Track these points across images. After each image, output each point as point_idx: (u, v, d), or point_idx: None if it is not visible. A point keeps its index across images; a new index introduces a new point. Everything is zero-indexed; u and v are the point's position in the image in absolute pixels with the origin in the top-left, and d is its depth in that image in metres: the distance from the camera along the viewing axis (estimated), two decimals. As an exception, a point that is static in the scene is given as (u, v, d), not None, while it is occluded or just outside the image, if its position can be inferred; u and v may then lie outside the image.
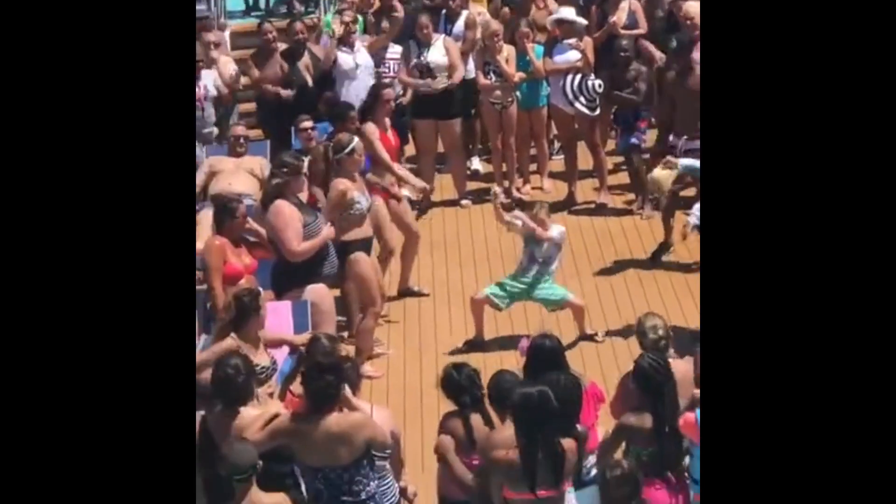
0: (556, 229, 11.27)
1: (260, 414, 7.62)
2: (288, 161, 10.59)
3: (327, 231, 10.28)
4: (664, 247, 12.77)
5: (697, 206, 11.44)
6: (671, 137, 12.84)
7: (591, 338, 11.39)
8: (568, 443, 7.25)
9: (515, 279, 11.33)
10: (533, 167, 14.78)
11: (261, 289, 9.34)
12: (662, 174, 11.66)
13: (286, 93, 13.80)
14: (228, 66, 14.05)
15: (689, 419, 7.49)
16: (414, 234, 12.31)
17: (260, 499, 7.20)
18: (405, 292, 12.42)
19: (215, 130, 13.70)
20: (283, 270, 10.21)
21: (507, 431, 7.37)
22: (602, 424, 8.34)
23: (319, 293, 10.14)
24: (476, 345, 11.37)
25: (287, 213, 10.14)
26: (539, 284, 11.27)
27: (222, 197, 10.71)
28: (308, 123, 12.49)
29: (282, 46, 14.12)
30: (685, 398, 7.67)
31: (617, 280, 12.55)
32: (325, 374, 7.43)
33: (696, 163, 11.26)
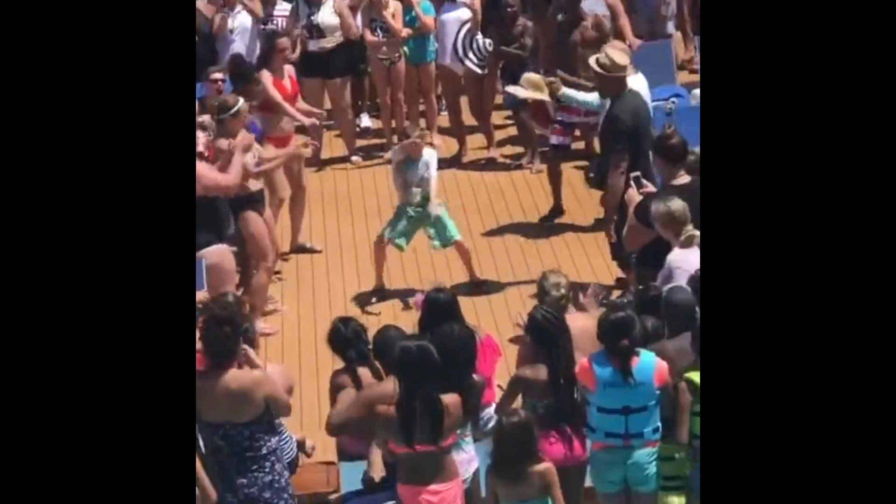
0: (426, 151, 11.45)
1: None
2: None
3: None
4: (554, 211, 12.87)
5: None
6: None
7: (480, 285, 11.55)
8: (450, 398, 7.27)
9: (404, 214, 11.44)
10: (422, 123, 14.83)
11: None
12: (536, 78, 11.86)
13: None
14: None
15: (584, 365, 7.59)
16: (301, 187, 12.34)
17: None
18: (298, 249, 12.47)
19: None
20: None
21: (388, 386, 7.45)
22: (499, 378, 8.44)
23: (220, 254, 10.14)
24: (375, 296, 11.52)
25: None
26: (433, 214, 11.40)
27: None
28: (219, 75, 12.34)
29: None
30: (581, 352, 7.77)
31: (509, 236, 12.65)
32: (222, 327, 7.45)
33: (579, 95, 11.46)
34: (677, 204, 8.66)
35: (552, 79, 11.76)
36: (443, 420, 7.20)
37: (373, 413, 7.42)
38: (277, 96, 12.01)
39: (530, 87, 11.83)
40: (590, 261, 11.76)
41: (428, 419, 7.19)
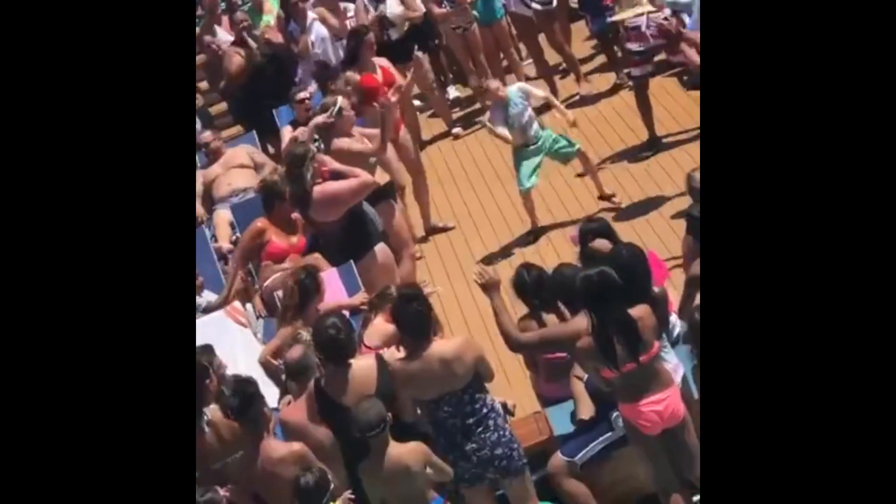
0: (511, 86, 11.65)
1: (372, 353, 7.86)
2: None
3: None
4: (652, 142, 12.72)
5: None
6: None
7: (609, 198, 11.73)
8: (639, 310, 7.36)
9: (524, 156, 11.61)
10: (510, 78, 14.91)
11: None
12: None
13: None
14: None
15: None
16: (420, 172, 12.49)
17: (398, 451, 7.35)
18: (432, 230, 12.60)
19: None
20: (335, 247, 10.33)
21: (579, 320, 7.53)
22: (673, 286, 8.52)
23: (383, 252, 10.34)
24: (531, 237, 11.73)
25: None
26: (543, 142, 11.61)
27: (268, 183, 10.89)
28: (304, 94, 12.59)
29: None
30: None
31: (624, 159, 12.70)
32: (411, 303, 7.62)
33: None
34: None
35: None
36: (640, 334, 7.29)
37: (573, 348, 7.53)
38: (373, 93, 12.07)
39: (630, 6, 11.91)
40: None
41: (625, 337, 7.28)
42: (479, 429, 7.60)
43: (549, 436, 8.34)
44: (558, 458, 7.99)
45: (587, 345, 7.38)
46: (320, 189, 10.14)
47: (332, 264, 10.09)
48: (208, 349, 8.36)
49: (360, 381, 7.65)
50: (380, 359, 7.77)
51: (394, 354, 7.95)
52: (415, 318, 7.59)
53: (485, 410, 7.63)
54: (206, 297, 10.37)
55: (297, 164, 10.23)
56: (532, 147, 11.63)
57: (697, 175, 8.48)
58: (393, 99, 11.55)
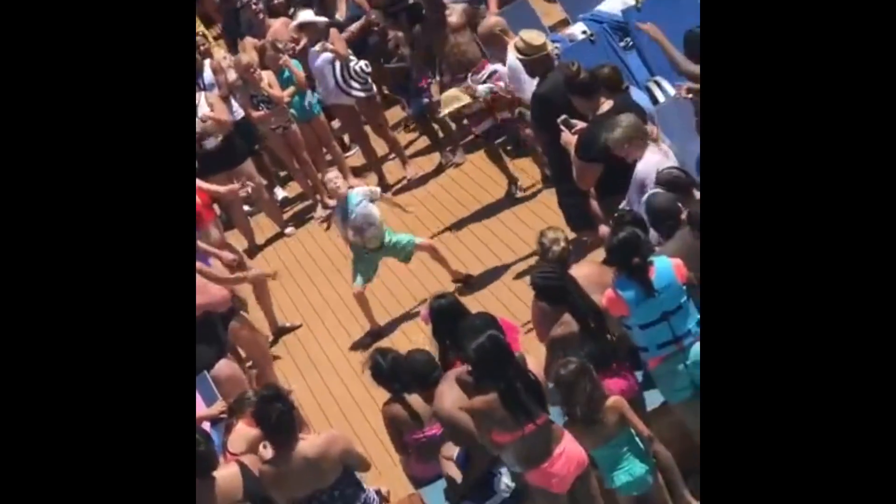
0: (351, 193, 11.63)
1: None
2: None
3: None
4: (512, 183, 12.85)
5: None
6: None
7: (465, 280, 11.76)
8: (532, 365, 7.44)
9: (362, 256, 11.66)
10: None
11: None
12: (451, 93, 12.10)
13: None
14: None
15: (610, 296, 7.76)
16: (261, 280, 12.45)
17: None
18: (279, 332, 12.57)
19: None
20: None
21: (479, 389, 7.43)
22: (530, 352, 8.58)
23: (229, 365, 10.35)
24: (377, 334, 11.69)
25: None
26: (386, 245, 11.61)
27: None
28: None
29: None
30: (596, 295, 7.94)
31: (472, 227, 12.79)
32: (274, 404, 7.59)
33: (491, 85, 11.67)
34: (628, 118, 8.88)
35: (466, 85, 12.03)
36: (541, 388, 7.36)
37: (474, 413, 7.47)
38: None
39: (451, 102, 12.10)
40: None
41: (531, 393, 7.30)
42: None
43: (428, 518, 8.34)
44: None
45: (489, 405, 7.29)
46: None
47: None
48: None
49: (226, 491, 7.63)
50: (242, 466, 7.75)
51: (260, 458, 7.91)
52: (278, 418, 7.57)
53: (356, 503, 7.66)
54: None
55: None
56: (367, 252, 11.67)
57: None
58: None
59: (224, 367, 10.24)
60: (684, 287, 7.68)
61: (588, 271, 8.23)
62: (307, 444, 7.60)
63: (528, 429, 7.30)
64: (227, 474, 7.72)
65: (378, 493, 8.40)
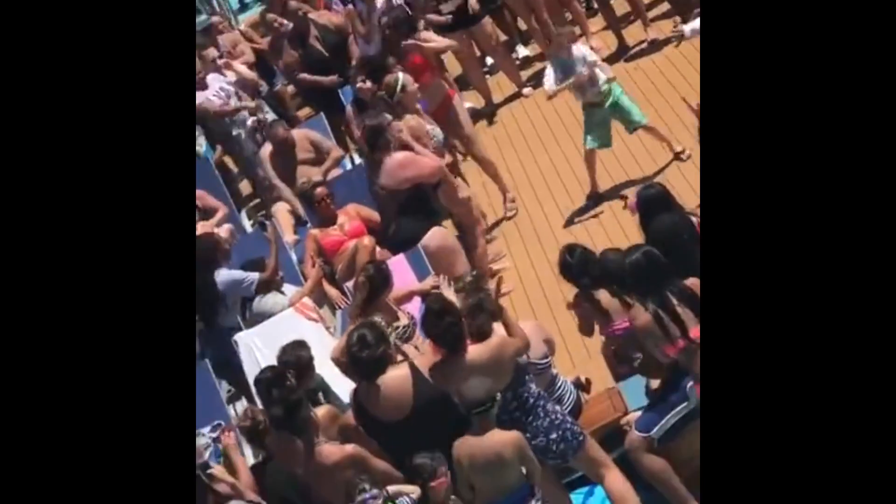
0: (575, 48, 11.38)
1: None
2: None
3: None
4: None
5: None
6: None
7: (678, 155, 11.48)
8: (692, 282, 7.29)
9: (591, 112, 11.45)
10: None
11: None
12: None
13: (329, 80, 13.77)
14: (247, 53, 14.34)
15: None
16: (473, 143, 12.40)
17: (498, 437, 7.33)
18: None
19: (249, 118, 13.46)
20: (394, 232, 10.41)
21: (636, 305, 7.49)
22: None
23: (442, 235, 10.39)
24: (592, 204, 11.55)
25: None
26: (615, 104, 11.38)
27: (303, 188, 10.95)
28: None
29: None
30: None
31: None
32: (442, 319, 7.54)
33: None
34: None
35: None
36: (697, 300, 7.18)
37: (638, 333, 7.49)
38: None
39: None
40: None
41: (687, 305, 7.22)
42: (529, 418, 7.56)
43: (624, 412, 8.21)
44: (634, 434, 7.82)
45: (646, 323, 7.29)
46: (394, 157, 10.29)
47: (389, 244, 10.18)
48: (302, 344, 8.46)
49: (396, 395, 7.60)
50: (413, 368, 7.67)
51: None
52: (445, 332, 7.52)
53: (531, 400, 7.58)
54: (287, 290, 10.35)
55: (374, 134, 10.52)
56: (597, 106, 11.41)
57: None
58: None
59: (434, 237, 10.23)
60: None
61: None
62: (474, 352, 7.51)
63: (693, 333, 7.21)
64: (397, 375, 7.64)
65: (578, 381, 8.34)
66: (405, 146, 10.47)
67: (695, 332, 7.20)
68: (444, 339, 7.51)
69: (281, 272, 10.43)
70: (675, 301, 7.27)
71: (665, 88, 12.82)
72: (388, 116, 10.73)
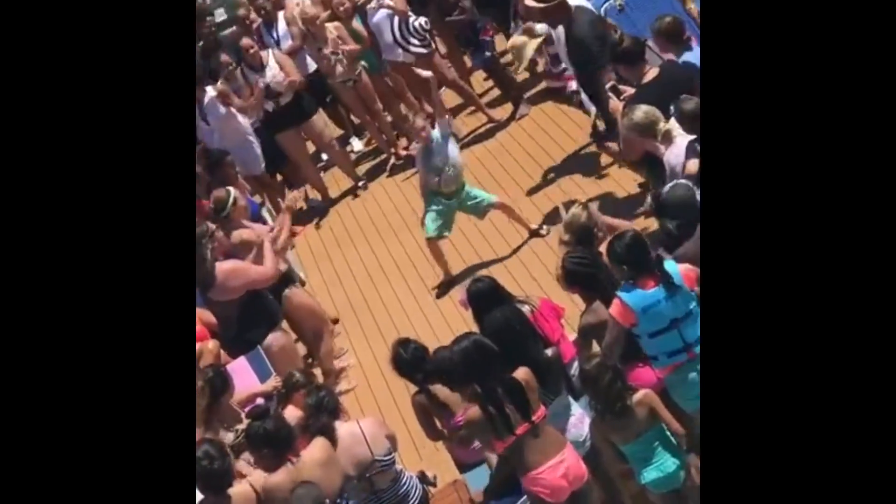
0: (436, 128, 11.41)
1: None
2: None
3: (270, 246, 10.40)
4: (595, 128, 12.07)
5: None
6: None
7: (537, 233, 11.55)
8: (520, 373, 7.32)
9: (437, 201, 11.47)
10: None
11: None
12: (519, 40, 11.75)
13: None
14: None
15: (617, 306, 7.40)
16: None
17: None
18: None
19: None
20: (234, 337, 10.29)
21: (464, 395, 7.53)
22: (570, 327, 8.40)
23: (282, 337, 10.32)
24: (447, 286, 11.59)
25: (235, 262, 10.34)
26: (461, 195, 11.46)
27: None
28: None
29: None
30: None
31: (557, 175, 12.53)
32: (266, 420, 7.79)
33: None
34: (638, 113, 8.58)
35: (525, 26, 11.74)
36: (525, 393, 7.23)
37: (467, 423, 7.50)
38: None
39: (522, 50, 11.81)
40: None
41: (512, 399, 7.23)
42: None
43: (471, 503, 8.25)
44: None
45: (476, 416, 7.32)
46: (221, 266, 10.12)
47: (230, 349, 10.07)
48: None
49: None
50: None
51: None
52: (273, 439, 7.69)
53: None
54: None
55: (221, 209, 10.57)
56: (445, 197, 11.49)
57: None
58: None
59: (276, 339, 10.20)
60: (694, 293, 7.34)
61: None
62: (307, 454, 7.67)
63: (520, 429, 7.23)
64: (241, 491, 7.61)
65: (423, 475, 8.35)
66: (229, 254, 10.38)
67: (522, 428, 7.24)
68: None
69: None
70: (501, 394, 7.25)
71: (513, 168, 12.98)
72: (211, 226, 10.53)
